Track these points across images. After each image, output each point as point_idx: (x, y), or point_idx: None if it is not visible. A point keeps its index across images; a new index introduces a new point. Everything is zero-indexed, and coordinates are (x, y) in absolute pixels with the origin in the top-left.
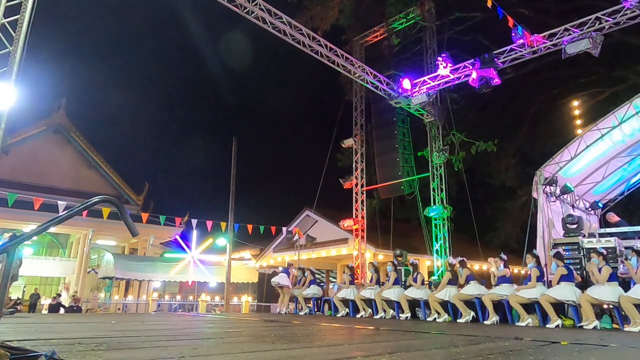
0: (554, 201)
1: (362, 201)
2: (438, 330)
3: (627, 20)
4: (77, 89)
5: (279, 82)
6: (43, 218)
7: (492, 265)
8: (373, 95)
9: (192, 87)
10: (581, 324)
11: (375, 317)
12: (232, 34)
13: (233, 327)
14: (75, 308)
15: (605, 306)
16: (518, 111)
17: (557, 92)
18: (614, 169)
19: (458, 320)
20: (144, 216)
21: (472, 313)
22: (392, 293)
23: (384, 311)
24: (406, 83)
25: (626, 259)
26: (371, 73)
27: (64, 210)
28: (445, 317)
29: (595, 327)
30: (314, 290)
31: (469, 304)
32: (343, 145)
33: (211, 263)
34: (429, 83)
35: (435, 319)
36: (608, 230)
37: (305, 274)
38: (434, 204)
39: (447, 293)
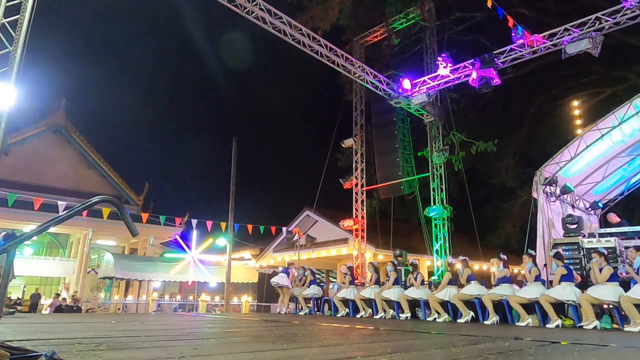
0: (554, 201)
1: (362, 201)
2: (438, 330)
3: (627, 20)
4: (77, 89)
5: (279, 82)
6: (43, 218)
7: (493, 266)
8: (373, 95)
9: (192, 87)
10: (581, 324)
11: (375, 317)
12: (232, 34)
13: (233, 327)
14: (75, 308)
15: (605, 306)
16: (518, 111)
17: (557, 92)
18: (614, 169)
19: (458, 320)
20: (144, 216)
21: (472, 313)
22: (392, 293)
23: (384, 311)
24: (406, 83)
25: (630, 265)
26: (371, 73)
27: (64, 210)
28: (445, 317)
29: (595, 327)
30: (314, 290)
31: (469, 304)
32: (343, 145)
33: (211, 263)
34: (429, 83)
35: (435, 319)
36: (608, 230)
37: (306, 273)
38: (434, 204)
39: (447, 293)
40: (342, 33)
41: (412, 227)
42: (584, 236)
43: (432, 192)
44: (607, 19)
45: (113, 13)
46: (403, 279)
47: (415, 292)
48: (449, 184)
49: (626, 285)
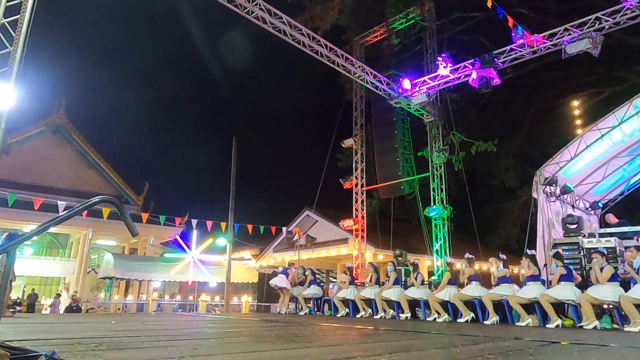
0: (554, 201)
1: (362, 201)
2: (438, 330)
3: (627, 20)
4: (77, 89)
5: (279, 82)
6: (43, 218)
7: (492, 265)
8: (373, 95)
9: (192, 86)
10: (581, 324)
11: (375, 317)
12: (232, 33)
13: (233, 327)
14: (74, 308)
15: (605, 306)
16: (518, 111)
17: (557, 92)
18: (614, 169)
19: (458, 320)
20: (144, 216)
21: (472, 314)
22: (392, 293)
23: (384, 311)
24: (406, 83)
25: (630, 265)
26: (371, 73)
27: (64, 210)
28: (445, 317)
29: (595, 327)
30: (314, 290)
31: (469, 304)
32: (343, 145)
33: (211, 263)
34: (429, 83)
35: (435, 319)
36: (608, 230)
37: (306, 273)
38: (434, 204)
39: (447, 293)
40: (342, 33)
41: (412, 227)
42: (584, 236)
43: (432, 192)
44: (607, 19)
45: (113, 13)
46: (403, 279)
47: (415, 292)
48: (449, 184)
49: (626, 285)
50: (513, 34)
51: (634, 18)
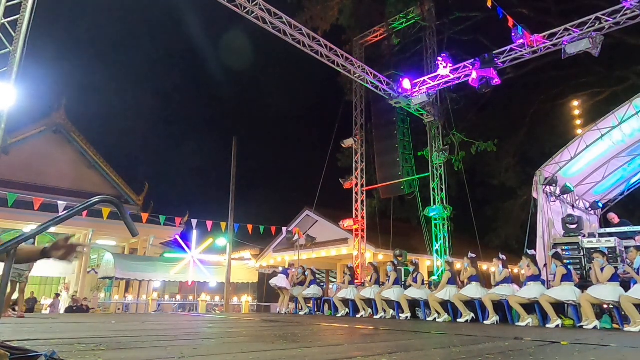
0: (554, 201)
1: (362, 201)
2: (438, 330)
3: (627, 20)
4: (77, 89)
5: (279, 82)
6: (43, 218)
7: (494, 267)
8: (373, 95)
9: (192, 86)
10: (581, 324)
11: (375, 317)
12: (232, 33)
13: (233, 327)
14: (74, 308)
15: (605, 306)
16: (518, 111)
17: (557, 92)
18: (614, 169)
19: (458, 320)
20: (144, 216)
21: (472, 314)
22: (392, 293)
23: (384, 311)
24: (406, 83)
25: (630, 265)
26: (371, 73)
27: (64, 210)
28: (445, 317)
29: (595, 327)
30: (314, 290)
31: (469, 304)
32: (343, 145)
33: (211, 263)
34: (429, 83)
35: (435, 319)
36: (608, 230)
37: (306, 274)
38: (434, 204)
39: (447, 293)
40: (342, 33)
41: (412, 227)
42: (584, 236)
43: (432, 192)
44: (607, 19)
45: (113, 13)
46: (403, 279)
47: (415, 292)
48: (449, 184)
49: (626, 285)
50: (513, 34)
51: (634, 18)
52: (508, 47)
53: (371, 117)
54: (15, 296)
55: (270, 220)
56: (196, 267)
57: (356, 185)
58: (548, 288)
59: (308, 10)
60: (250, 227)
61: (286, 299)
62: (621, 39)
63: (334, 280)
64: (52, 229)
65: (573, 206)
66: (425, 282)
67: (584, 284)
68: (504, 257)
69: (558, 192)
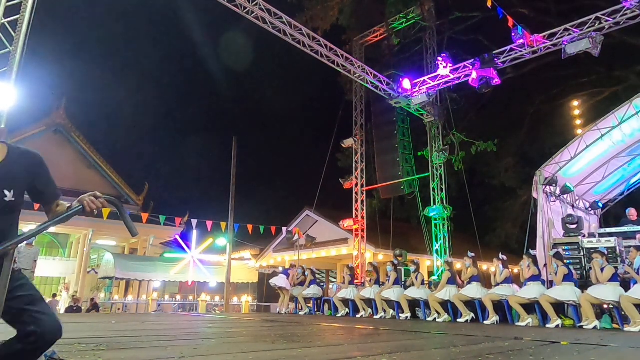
0: (554, 201)
1: (362, 201)
2: (438, 330)
3: (627, 20)
4: (77, 89)
5: (279, 82)
6: (43, 218)
7: (495, 267)
8: (373, 95)
9: (192, 86)
10: (581, 324)
11: (375, 317)
12: (232, 33)
13: (233, 327)
14: (74, 308)
15: (605, 306)
16: (518, 111)
17: (557, 92)
18: (614, 169)
19: (458, 320)
20: (144, 216)
21: (472, 314)
22: (392, 293)
23: (384, 311)
24: (406, 83)
25: (630, 265)
26: (371, 73)
27: None
28: (445, 317)
29: (595, 327)
30: (314, 291)
31: (469, 304)
32: (343, 145)
33: (211, 263)
34: (429, 83)
35: (435, 319)
36: (608, 230)
37: (306, 274)
38: (434, 204)
39: (447, 293)
40: (342, 33)
41: (412, 227)
42: (584, 236)
43: (432, 192)
44: (607, 19)
45: (113, 13)
46: (403, 279)
47: (415, 292)
48: (449, 184)
49: (626, 285)
50: (513, 34)
51: (634, 18)
52: (508, 47)
53: (371, 117)
54: None
55: (270, 220)
56: (196, 267)
57: (356, 185)
58: (548, 288)
59: (308, 10)
60: (250, 227)
61: (286, 299)
62: (621, 39)
63: (334, 280)
64: (52, 229)
65: (573, 206)
66: (425, 282)
67: (584, 284)
68: (504, 257)
69: (558, 192)
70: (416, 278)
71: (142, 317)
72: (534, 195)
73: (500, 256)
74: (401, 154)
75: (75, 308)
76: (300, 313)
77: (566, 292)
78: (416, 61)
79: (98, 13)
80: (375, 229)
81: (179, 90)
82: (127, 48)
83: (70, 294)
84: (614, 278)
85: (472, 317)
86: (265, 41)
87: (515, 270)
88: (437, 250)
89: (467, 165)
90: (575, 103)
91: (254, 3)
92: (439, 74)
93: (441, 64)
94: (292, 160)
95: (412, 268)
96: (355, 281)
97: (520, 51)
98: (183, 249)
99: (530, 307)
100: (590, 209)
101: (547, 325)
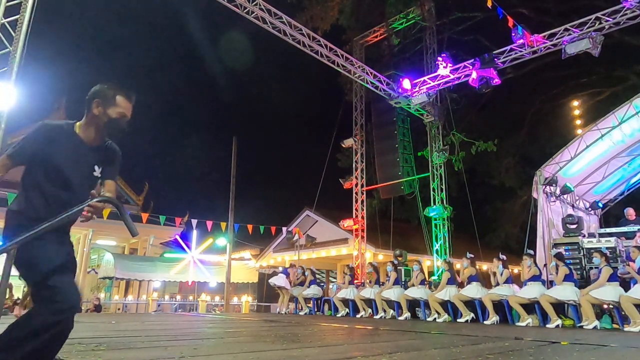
0: (554, 201)
1: (362, 201)
2: (438, 330)
3: (627, 20)
4: (77, 89)
5: (279, 82)
6: None
7: (495, 268)
8: (373, 95)
9: (192, 86)
10: (581, 324)
11: (375, 317)
12: (232, 34)
13: (233, 327)
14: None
15: (605, 306)
16: (518, 111)
17: (557, 92)
18: (614, 169)
19: (458, 320)
20: (144, 216)
21: (472, 314)
22: (392, 293)
23: (384, 311)
24: (406, 83)
25: (631, 260)
26: (371, 73)
27: None
28: (445, 317)
29: (595, 327)
30: (314, 291)
31: (469, 304)
32: (343, 145)
33: (211, 263)
34: (429, 83)
35: (435, 319)
36: (608, 230)
37: (305, 274)
38: (434, 204)
39: (447, 293)
40: (342, 33)
41: (412, 227)
42: (584, 236)
43: (432, 192)
44: (607, 19)
45: (113, 13)
46: (403, 279)
47: (415, 292)
48: (449, 184)
49: (626, 285)
50: (513, 34)
51: (634, 18)
52: (508, 47)
53: (371, 117)
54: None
55: (270, 220)
56: (196, 267)
57: (356, 185)
58: (548, 288)
59: (308, 10)
60: (250, 227)
61: (286, 299)
62: (621, 39)
63: (334, 280)
64: None
65: (573, 206)
66: (426, 282)
67: (584, 284)
68: (504, 257)
69: (558, 192)
70: (417, 277)
71: (142, 317)
72: (534, 195)
73: (500, 256)
74: (401, 154)
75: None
76: (300, 313)
77: (566, 292)
78: (416, 61)
79: (98, 13)
80: (375, 229)
81: (179, 90)
82: (127, 48)
83: None
84: (613, 278)
85: (472, 317)
86: (265, 41)
87: (516, 270)
88: (437, 250)
89: (467, 165)
90: (575, 103)
91: (254, 3)
92: (439, 74)
93: (441, 64)
94: (292, 160)
95: (416, 267)
96: (355, 281)
97: (520, 51)
98: (183, 249)
99: (530, 307)
100: (590, 209)
101: (547, 325)
